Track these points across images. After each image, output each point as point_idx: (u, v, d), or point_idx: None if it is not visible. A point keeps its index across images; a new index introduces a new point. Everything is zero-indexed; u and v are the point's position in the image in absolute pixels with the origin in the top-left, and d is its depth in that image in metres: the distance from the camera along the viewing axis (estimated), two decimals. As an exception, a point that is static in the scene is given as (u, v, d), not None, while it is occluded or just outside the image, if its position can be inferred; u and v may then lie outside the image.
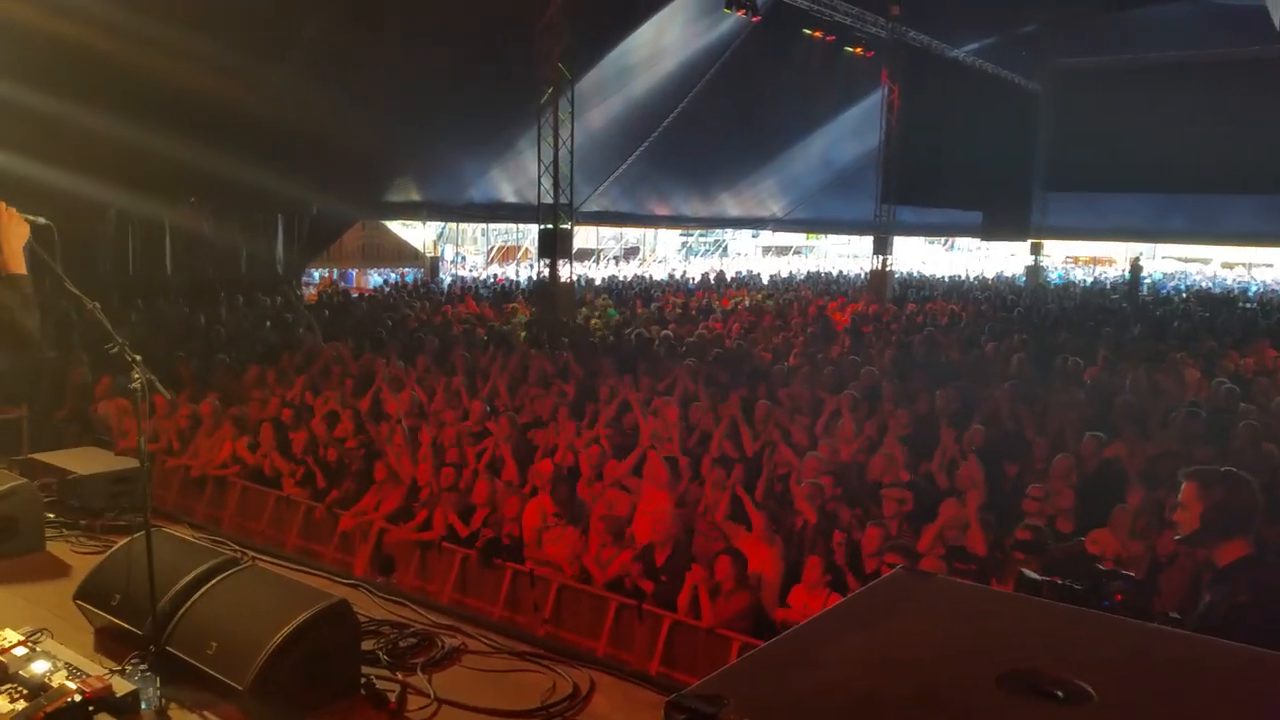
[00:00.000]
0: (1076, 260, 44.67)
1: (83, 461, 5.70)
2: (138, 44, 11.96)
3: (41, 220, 3.10)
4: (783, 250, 46.90)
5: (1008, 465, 7.01)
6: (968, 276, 34.67)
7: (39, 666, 3.21)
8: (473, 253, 38.57)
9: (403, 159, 19.87)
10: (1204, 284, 33.49)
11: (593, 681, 3.53)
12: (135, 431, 7.74)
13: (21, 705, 3.03)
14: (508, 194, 23.27)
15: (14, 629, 3.46)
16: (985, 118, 25.74)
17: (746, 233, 42.46)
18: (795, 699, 1.78)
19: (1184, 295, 26.74)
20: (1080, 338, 13.36)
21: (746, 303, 21.43)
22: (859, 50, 22.88)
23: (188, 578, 3.37)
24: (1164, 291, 28.53)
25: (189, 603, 3.30)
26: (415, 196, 22.10)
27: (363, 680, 3.34)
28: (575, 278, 19.53)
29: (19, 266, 3.03)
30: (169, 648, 3.21)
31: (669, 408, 7.95)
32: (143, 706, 3.12)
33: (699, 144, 25.22)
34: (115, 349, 3.25)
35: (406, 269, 29.21)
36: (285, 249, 19.63)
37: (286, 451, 7.94)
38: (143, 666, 3.17)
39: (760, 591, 5.56)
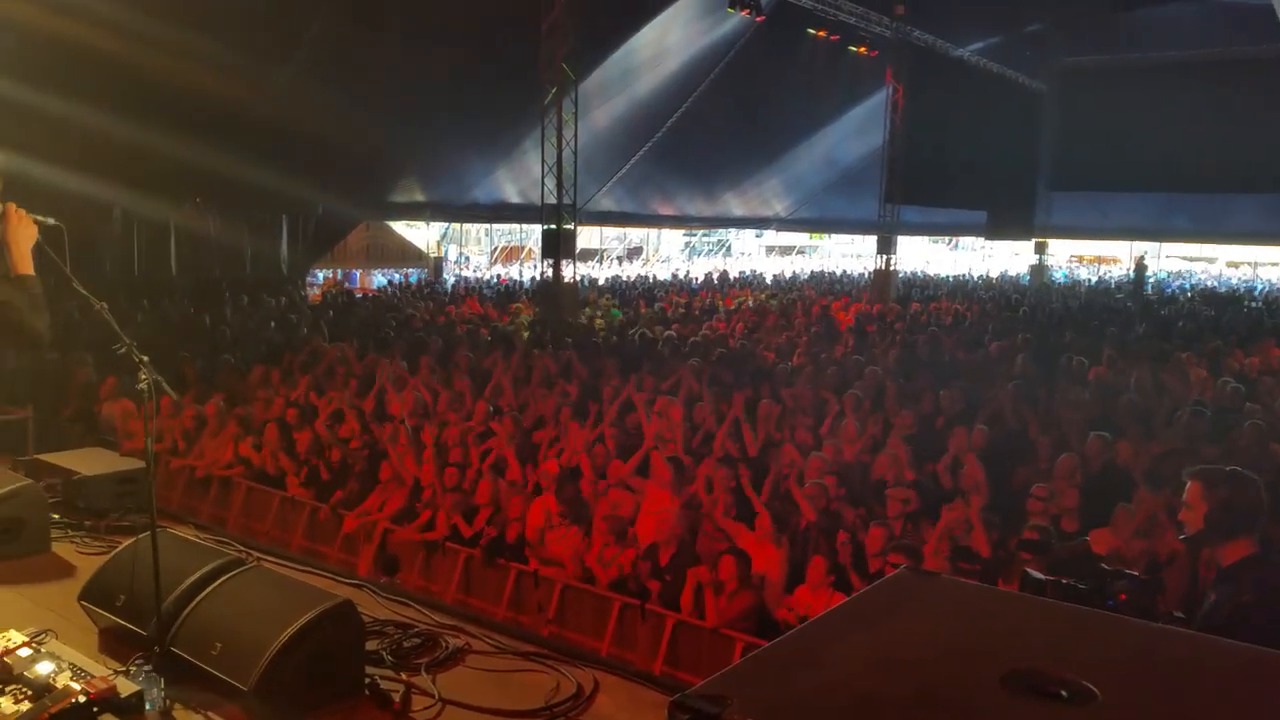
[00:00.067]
0: (1081, 259, 44.59)
1: (87, 462, 5.71)
2: (142, 44, 11.99)
3: (51, 221, 3.11)
4: (786, 250, 46.87)
5: (1012, 465, 6.99)
6: (972, 276, 34.60)
7: (44, 667, 3.21)
8: (476, 253, 38.58)
9: (407, 159, 19.90)
10: (1209, 283, 33.38)
11: (596, 681, 3.53)
12: (140, 432, 7.75)
13: (26, 706, 3.04)
14: (511, 194, 23.29)
15: (19, 630, 3.47)
16: (990, 117, 25.70)
17: (750, 232, 42.43)
18: (799, 699, 1.78)
19: (1189, 294, 26.67)
20: (1085, 337, 13.33)
21: (750, 302, 21.42)
22: (863, 50, 22.86)
23: (192, 578, 3.38)
24: (1169, 291, 28.47)
25: (193, 603, 3.30)
26: (419, 197, 22.13)
27: (367, 680, 3.34)
28: (579, 278, 19.53)
29: (28, 268, 3.04)
30: (173, 648, 3.22)
31: (673, 408, 7.95)
32: (147, 707, 3.13)
33: (703, 144, 25.22)
34: (123, 350, 3.26)
35: (410, 269, 29.23)
36: (290, 249, 19.65)
37: (291, 452, 7.96)
38: (147, 667, 3.18)
39: (764, 591, 5.56)
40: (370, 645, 3.49)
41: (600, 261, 38.43)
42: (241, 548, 4.34)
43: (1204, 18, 25.15)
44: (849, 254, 45.45)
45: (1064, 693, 1.74)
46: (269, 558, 4.37)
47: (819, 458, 6.70)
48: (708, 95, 23.52)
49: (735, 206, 31.67)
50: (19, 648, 3.31)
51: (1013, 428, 7.89)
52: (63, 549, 5.00)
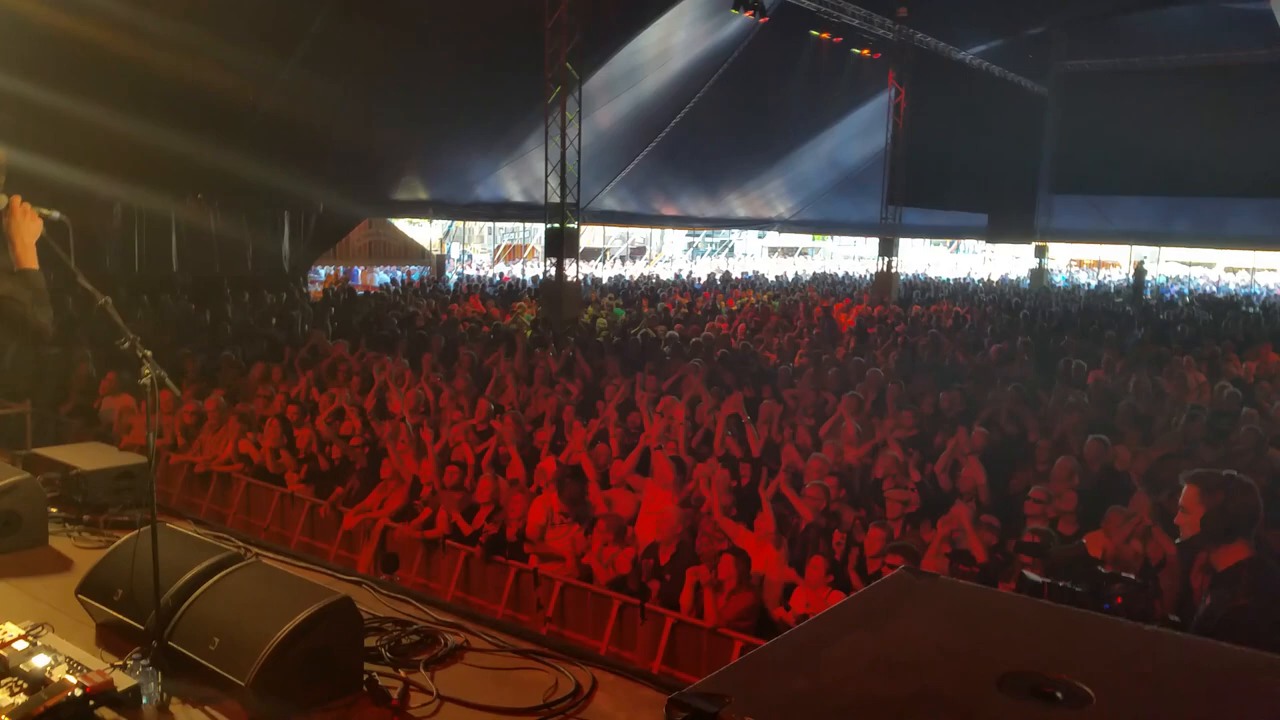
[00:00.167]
0: (1081, 263, 44.59)
1: (86, 457, 5.72)
2: (144, 39, 12.00)
3: (56, 215, 3.11)
4: (789, 251, 46.90)
5: (1011, 467, 7.00)
6: (972, 279, 34.61)
7: (40, 661, 3.22)
8: (479, 251, 38.61)
9: (410, 157, 19.90)
10: (1208, 288, 33.39)
11: (595, 680, 3.53)
12: (139, 427, 7.83)
13: (22, 699, 3.04)
14: (515, 193, 23.29)
15: (15, 623, 3.47)
16: (991, 120, 25.72)
17: (753, 233, 42.44)
18: (796, 699, 1.78)
19: (1187, 299, 26.67)
20: (1084, 340, 13.34)
21: (752, 303, 21.43)
22: (866, 52, 22.87)
23: (191, 573, 3.38)
24: (1167, 295, 28.47)
25: (192, 598, 3.31)
26: (422, 194, 22.13)
27: (365, 677, 3.35)
28: (581, 277, 19.54)
29: (32, 262, 3.04)
30: (171, 643, 3.22)
31: (674, 407, 7.96)
32: (144, 701, 3.13)
33: (706, 144, 25.23)
34: (126, 345, 3.26)
35: (413, 267, 29.24)
36: (291, 246, 19.65)
37: (291, 448, 7.96)
38: (145, 662, 3.18)
39: (762, 591, 5.56)
40: (369, 642, 3.49)
41: (603, 261, 38.45)
42: (240, 543, 4.34)
43: (1205, 22, 25.16)
44: (851, 256, 45.46)
45: (1059, 694, 1.75)
46: (268, 554, 4.38)
47: (819, 459, 6.70)
48: (711, 96, 23.52)
49: (738, 207, 31.68)
50: (15, 641, 3.31)
51: (1011, 430, 7.91)
52: (60, 543, 5.00)
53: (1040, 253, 32.89)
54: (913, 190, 24.04)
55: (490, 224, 35.69)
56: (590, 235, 35.73)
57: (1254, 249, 34.70)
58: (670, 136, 24.32)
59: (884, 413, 8.22)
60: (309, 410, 8.57)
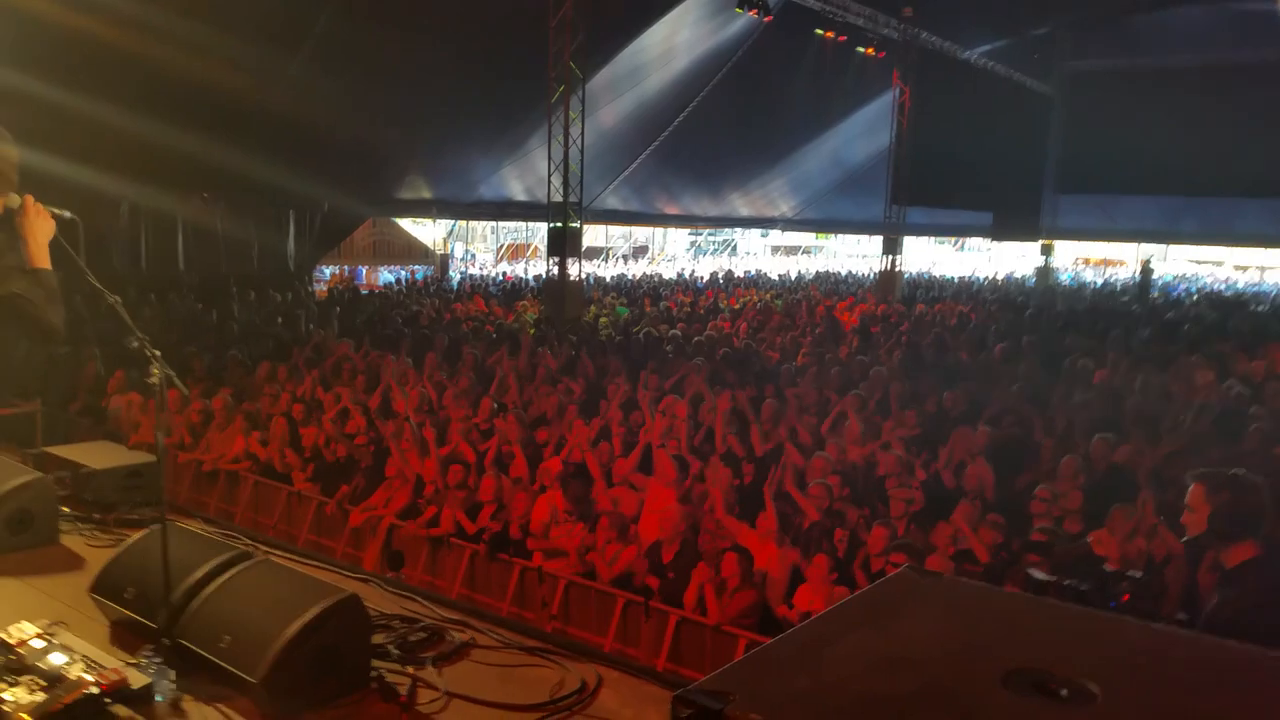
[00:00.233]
0: (1087, 261, 44.49)
1: (96, 455, 5.75)
2: (151, 39, 12.05)
3: (67, 214, 3.14)
4: (792, 250, 46.86)
5: (1016, 466, 7.01)
6: (977, 277, 34.56)
7: (56, 658, 3.25)
8: (482, 250, 38.63)
9: (414, 156, 19.93)
10: (1216, 286, 33.30)
11: (600, 676, 3.55)
12: (148, 426, 7.86)
13: (40, 696, 3.08)
14: (518, 192, 23.32)
15: (30, 621, 3.51)
16: (997, 119, 25.69)
17: (756, 232, 42.42)
18: (800, 696, 1.80)
19: (1194, 297, 26.61)
20: (1090, 339, 13.33)
21: (755, 302, 21.44)
22: (871, 51, 22.85)
23: (201, 571, 3.41)
24: (1174, 294, 28.40)
25: (202, 596, 3.33)
26: (425, 194, 22.16)
27: (374, 674, 3.38)
28: (584, 276, 19.55)
29: (45, 261, 3.06)
30: (183, 640, 3.25)
31: (677, 406, 7.97)
32: (157, 699, 3.16)
33: (709, 143, 25.22)
34: (135, 344, 3.29)
35: (416, 266, 29.28)
36: (297, 245, 19.70)
37: (297, 447, 8.00)
38: (157, 659, 3.21)
39: (766, 589, 5.58)
40: (377, 639, 3.52)
41: (606, 260, 38.46)
42: (249, 541, 4.37)
43: (1212, 22, 25.10)
44: (854, 254, 45.41)
45: (1064, 692, 1.76)
46: (276, 551, 4.40)
47: (822, 457, 6.72)
48: (715, 95, 23.52)
49: (741, 206, 31.67)
50: (32, 638, 3.35)
51: (1017, 429, 7.91)
52: (71, 541, 5.03)
53: (1046, 251, 32.83)
54: (917, 189, 24.03)
55: (493, 223, 35.70)
56: (593, 234, 35.74)
57: (1262, 247, 34.60)
58: (673, 135, 24.32)
59: (888, 412, 8.22)
60: (315, 409, 8.61)
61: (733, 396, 8.58)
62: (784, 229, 37.23)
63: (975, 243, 45.12)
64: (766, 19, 19.67)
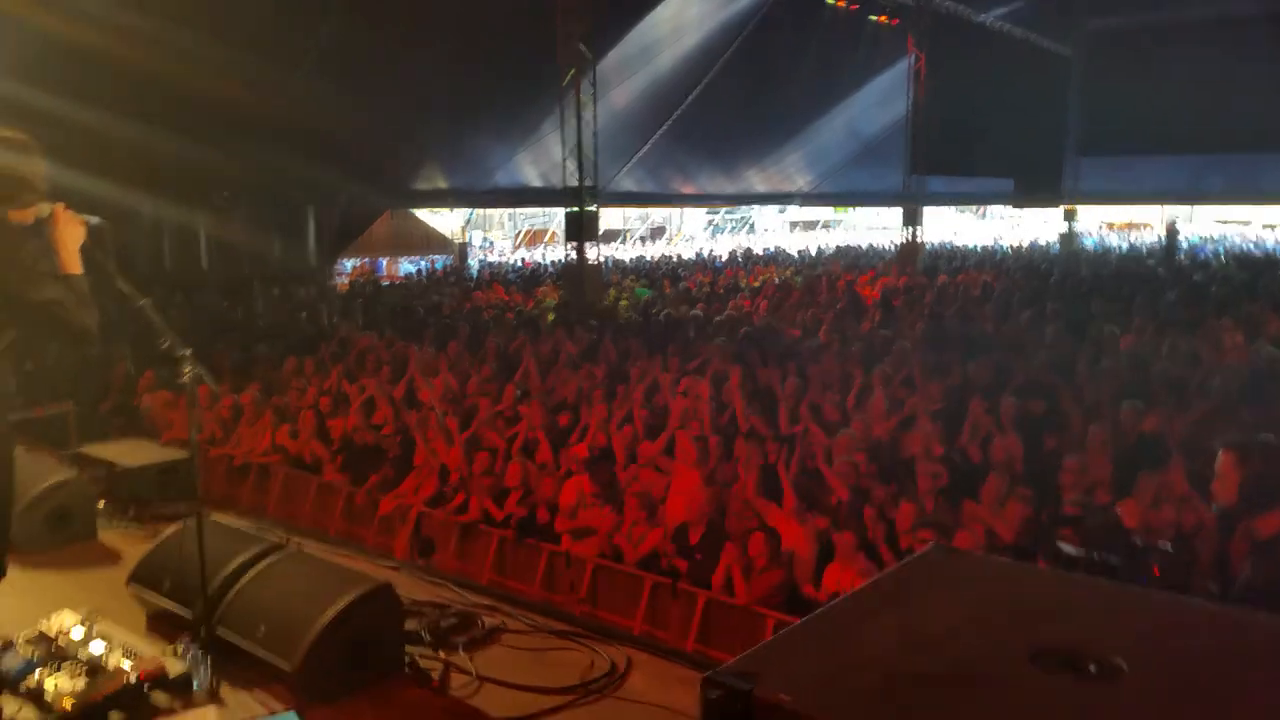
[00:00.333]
0: (1112, 226, 43.81)
1: (130, 453, 5.88)
2: (164, 51, 12.31)
3: (96, 220, 3.19)
4: (811, 225, 46.52)
5: (1043, 437, 6.95)
6: (1000, 245, 34.16)
7: (96, 647, 3.35)
8: (500, 238, 38.68)
9: (428, 146, 19.98)
10: (1244, 246, 32.72)
11: (629, 659, 3.60)
12: (180, 423, 7.97)
13: (82, 683, 3.17)
14: (533, 178, 23.30)
15: (71, 612, 3.60)
16: (1015, 83, 25.28)
17: (773, 209, 42.11)
18: (829, 675, 1.81)
19: (1222, 258, 26.17)
20: (1116, 305, 13.16)
21: (775, 279, 21.34)
22: (884, 18, 22.54)
23: (236, 562, 3.49)
24: (1201, 255, 27.94)
25: (237, 586, 3.42)
26: (442, 184, 22.22)
27: (407, 659, 3.44)
28: (602, 260, 19.55)
29: (76, 266, 3.12)
30: (219, 629, 3.34)
31: (699, 386, 7.97)
32: (195, 686, 3.25)
33: (723, 120, 25.03)
34: (166, 344, 3.35)
35: (436, 256, 29.37)
36: (316, 241, 19.87)
37: (326, 439, 8.10)
38: (195, 648, 3.30)
39: (794, 569, 5.59)
40: (409, 625, 3.58)
41: (624, 242, 38.38)
42: (282, 533, 4.45)
43: (1234, -27, 24.54)
44: (874, 227, 44.99)
45: (1093, 668, 1.75)
46: (309, 542, 4.48)
47: (848, 434, 6.70)
48: (727, 71, 23.31)
49: (757, 183, 31.45)
50: (73, 628, 3.45)
51: (1043, 399, 7.83)
52: (108, 536, 5.15)
53: (1069, 216, 32.35)
54: (935, 157, 23.73)
55: (510, 210, 35.71)
56: (610, 217, 35.64)
57: (1290, 204, 33.93)
58: (686, 114, 24.16)
59: (912, 386, 8.17)
60: (342, 401, 8.70)
61: (755, 375, 8.57)
62: (801, 204, 36.94)
63: (997, 210, 44.54)
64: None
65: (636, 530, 5.94)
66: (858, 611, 2.11)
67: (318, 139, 15.28)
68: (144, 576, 3.75)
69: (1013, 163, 26.84)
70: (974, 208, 45.46)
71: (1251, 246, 32.24)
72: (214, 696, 3.24)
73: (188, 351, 3.42)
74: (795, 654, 1.92)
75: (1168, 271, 20.83)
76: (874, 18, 22.38)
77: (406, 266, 28.52)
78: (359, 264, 26.87)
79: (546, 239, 36.43)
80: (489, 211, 35.52)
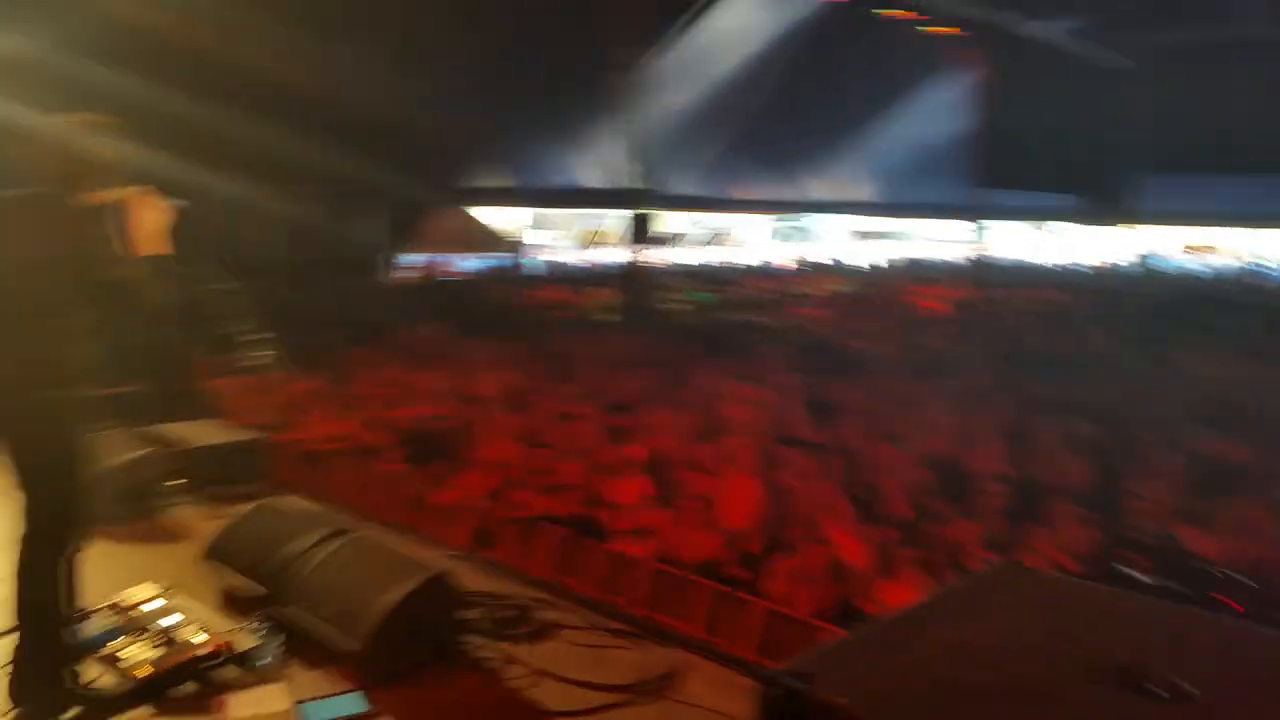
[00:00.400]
0: (1189, 247, 42.46)
1: (202, 433, 6.06)
2: (241, 38, 12.64)
3: (174, 203, 3.30)
4: (874, 235, 45.92)
5: (1114, 461, 6.77)
6: (1070, 263, 33.34)
7: (172, 619, 3.46)
8: (560, 238, 38.92)
9: (492, 145, 20.27)
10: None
11: (685, 662, 3.60)
12: (249, 406, 8.13)
13: (157, 653, 3.28)
14: (593, 179, 23.49)
15: (150, 585, 3.73)
16: (1083, 97, 24.68)
17: (836, 217, 41.70)
18: (887, 681, 1.79)
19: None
20: (1191, 329, 12.77)
21: (836, 289, 21.14)
22: (947, 30, 22.22)
23: (306, 543, 3.58)
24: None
25: (308, 566, 3.50)
26: (502, 182, 22.53)
27: (464, 647, 3.49)
28: (660, 262, 19.58)
29: (153, 248, 3.23)
30: (288, 607, 3.42)
31: (758, 394, 7.93)
32: (263, 661, 3.34)
33: (785, 127, 24.95)
34: (238, 326, 3.45)
35: (496, 253, 29.66)
36: (382, 234, 20.27)
37: (389, 428, 8.22)
38: (264, 624, 3.39)
39: (850, 583, 5.52)
40: (467, 614, 3.63)
41: (682, 246, 38.33)
42: (348, 517, 4.54)
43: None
44: (939, 239, 44.23)
45: (1159, 691, 1.71)
46: (372, 528, 4.57)
47: (909, 450, 6.60)
48: (788, 77, 23.22)
49: (819, 191, 31.25)
50: (150, 600, 3.57)
51: (1114, 423, 7.63)
52: (182, 513, 5.32)
53: (1142, 236, 31.48)
54: (1001, 171, 23.27)
55: (570, 210, 35.96)
56: (669, 220, 35.63)
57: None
58: (749, 119, 24.11)
59: (977, 403, 8.03)
60: (404, 392, 8.84)
61: (815, 385, 8.50)
62: (864, 214, 36.56)
63: (1068, 227, 43.45)
64: (841, -1, 19.33)
65: (694, 535, 5.92)
66: (920, 621, 2.09)
67: (384, 131, 15.60)
68: (219, 553, 3.87)
69: (1082, 179, 26.22)
70: (1043, 224, 44.45)
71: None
72: (281, 671, 3.31)
73: (262, 336, 3.52)
74: (855, 658, 1.92)
75: (1248, 297, 20.16)
76: (937, 29, 22.07)
77: (468, 263, 28.86)
78: (421, 258, 27.25)
79: (605, 240, 36.57)
80: (550, 211, 35.83)
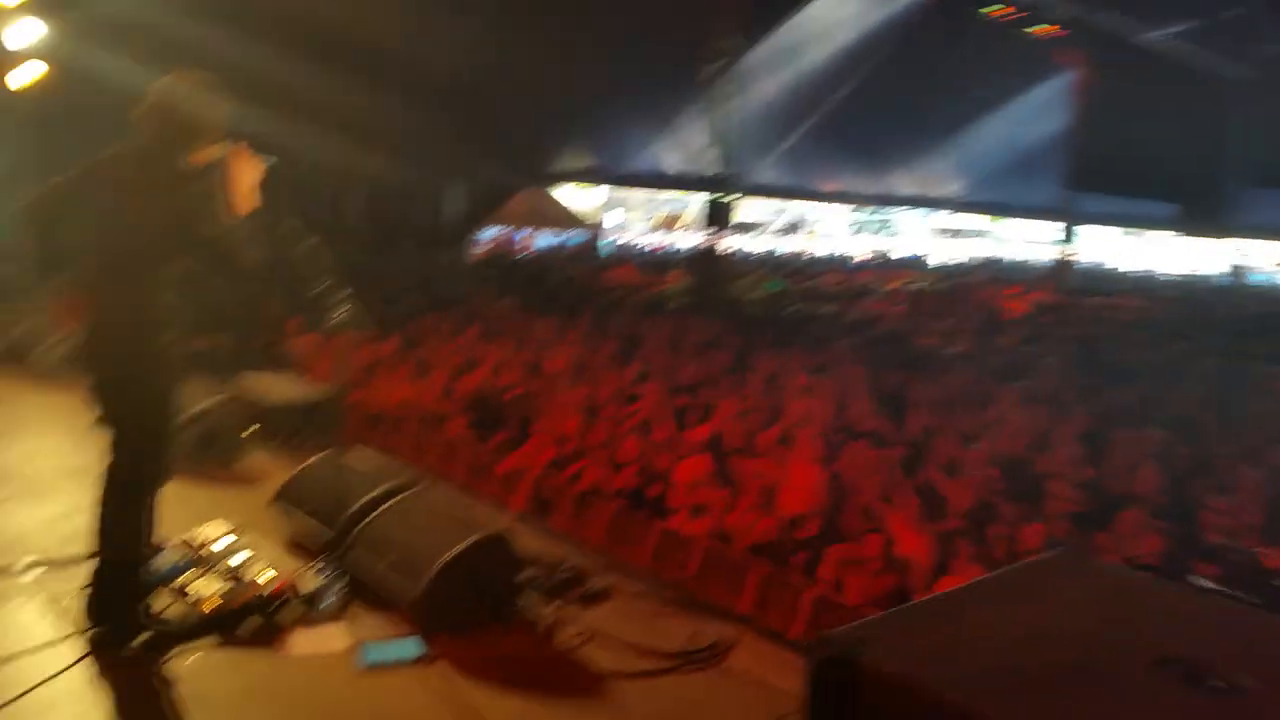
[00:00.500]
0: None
1: (278, 387, 6.27)
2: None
3: (269, 161, 3.41)
4: (957, 233, 44.85)
5: (1190, 475, 6.54)
6: (1160, 272, 32.11)
7: (241, 557, 3.61)
8: (636, 219, 38.96)
9: (573, 124, 20.36)
10: None
11: (735, 635, 3.61)
12: (325, 364, 8.36)
13: (225, 588, 3.43)
14: (673, 163, 23.44)
15: (221, 523, 3.89)
16: (1185, 105, 23.65)
17: (918, 212, 40.85)
18: (941, 652, 1.78)
19: None
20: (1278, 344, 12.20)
21: (915, 285, 20.75)
22: (1048, 28, 21.49)
23: (374, 493, 3.69)
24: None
25: (372, 515, 3.61)
26: (583, 162, 22.63)
27: (518, 605, 3.56)
28: (737, 249, 19.49)
29: (248, 204, 3.34)
30: (353, 552, 3.54)
31: (824, 384, 7.86)
32: (326, 603, 3.46)
33: (872, 118, 24.51)
34: (322, 286, 3.56)
35: (572, 232, 29.87)
36: (460, 206, 20.58)
37: (457, 396, 8.39)
38: (329, 566, 3.52)
39: (907, 576, 5.45)
40: (524, 574, 3.70)
41: (760, 234, 38.03)
42: (415, 473, 4.66)
43: None
44: (1026, 241, 42.99)
45: (1217, 683, 1.68)
46: (438, 484, 4.69)
47: (979, 448, 6.48)
48: (881, 68, 22.79)
49: (904, 185, 30.65)
50: (221, 538, 3.72)
51: (1193, 434, 7.38)
52: (255, 460, 5.52)
53: (1237, 249, 30.13)
54: (1095, 175, 22.49)
55: (647, 193, 35.96)
56: (748, 207, 35.38)
57: None
58: (835, 109, 23.76)
59: (1053, 406, 7.84)
60: (473, 361, 9.00)
61: (883, 378, 8.38)
62: (949, 210, 35.72)
63: (1159, 236, 41.81)
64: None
65: (750, 516, 5.91)
66: (975, 600, 2.07)
67: (472, 106, 15.81)
68: (288, 496, 4.01)
69: (1178, 188, 25.19)
70: (1133, 230, 42.85)
71: None
72: (341, 614, 3.43)
73: (342, 294, 3.62)
74: (908, 629, 1.90)
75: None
76: (1037, 27, 21.37)
77: (543, 240, 29.13)
78: (498, 233, 27.60)
79: (682, 224, 36.49)
80: (625, 193, 35.90)
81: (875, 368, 8.87)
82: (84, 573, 3.47)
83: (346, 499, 3.63)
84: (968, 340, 11.52)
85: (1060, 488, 5.98)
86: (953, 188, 31.78)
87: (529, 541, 4.17)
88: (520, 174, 21.76)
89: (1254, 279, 31.43)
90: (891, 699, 1.63)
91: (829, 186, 29.29)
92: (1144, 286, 25.56)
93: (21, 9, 10.86)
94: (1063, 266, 23.35)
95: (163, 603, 3.44)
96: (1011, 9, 20.65)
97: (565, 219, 30.59)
